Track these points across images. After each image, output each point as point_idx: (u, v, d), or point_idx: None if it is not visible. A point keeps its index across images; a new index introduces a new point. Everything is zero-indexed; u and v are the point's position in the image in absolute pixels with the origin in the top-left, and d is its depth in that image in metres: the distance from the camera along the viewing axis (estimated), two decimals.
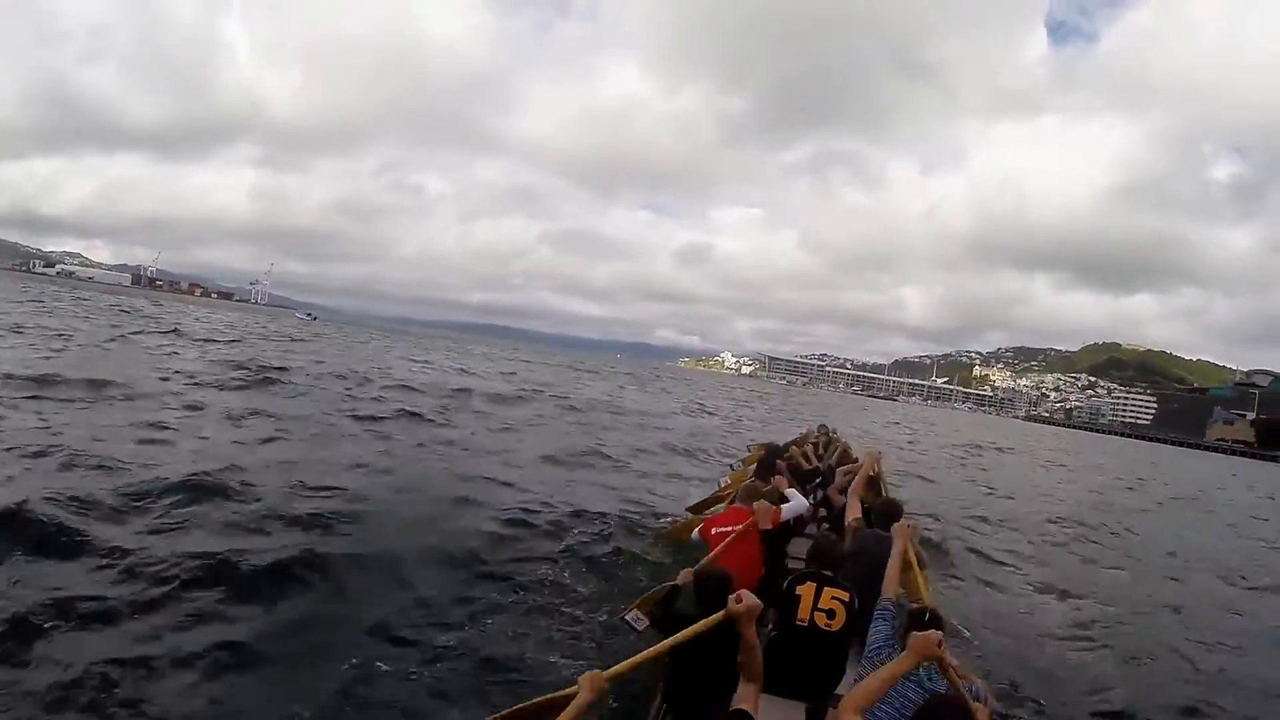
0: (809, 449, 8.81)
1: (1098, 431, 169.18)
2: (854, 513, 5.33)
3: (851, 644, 3.94)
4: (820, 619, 3.82)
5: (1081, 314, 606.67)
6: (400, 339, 76.97)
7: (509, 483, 10.30)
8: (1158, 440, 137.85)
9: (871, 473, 6.42)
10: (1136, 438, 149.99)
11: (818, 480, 7.67)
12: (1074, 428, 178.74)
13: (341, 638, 5.08)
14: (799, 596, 3.89)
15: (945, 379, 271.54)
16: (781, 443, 9.77)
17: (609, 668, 2.68)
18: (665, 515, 9.37)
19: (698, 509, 8.00)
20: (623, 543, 7.98)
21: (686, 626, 2.95)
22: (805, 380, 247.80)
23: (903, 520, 4.42)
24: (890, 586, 3.70)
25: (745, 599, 2.79)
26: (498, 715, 2.83)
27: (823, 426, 11.54)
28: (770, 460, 7.55)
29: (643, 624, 4.18)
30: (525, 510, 8.77)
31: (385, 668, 4.75)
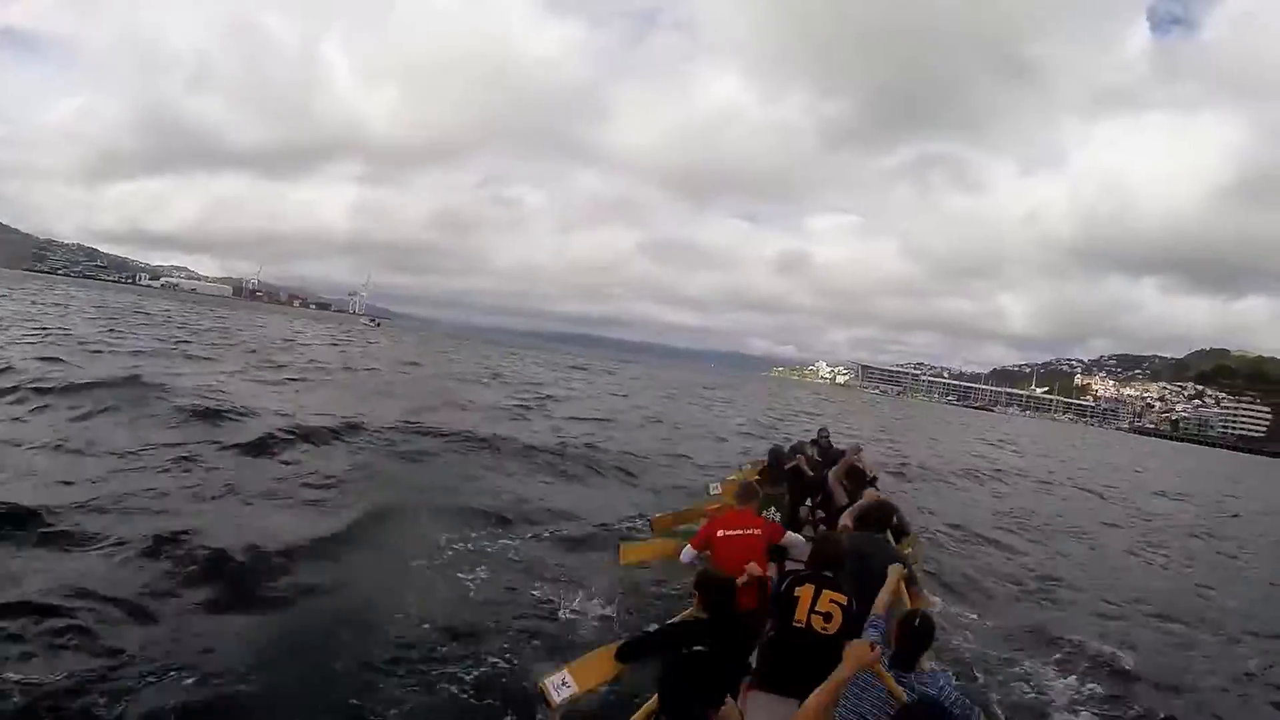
0: (805, 457, 8.37)
1: (1207, 444, 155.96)
2: (839, 499, 5.98)
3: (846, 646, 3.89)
4: (817, 621, 3.84)
5: (1190, 319, 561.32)
6: (483, 346, 79.57)
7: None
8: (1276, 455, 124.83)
9: (852, 465, 7.06)
10: (1249, 451, 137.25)
11: (817, 490, 7.57)
12: (1180, 439, 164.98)
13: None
14: (797, 598, 3.90)
15: (1045, 389, 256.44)
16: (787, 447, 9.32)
17: None
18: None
19: (661, 524, 7.33)
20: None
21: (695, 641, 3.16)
22: (900, 390, 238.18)
23: (897, 566, 4.21)
24: (881, 607, 3.69)
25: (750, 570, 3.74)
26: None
27: (822, 431, 11.11)
28: (777, 464, 7.59)
29: (565, 693, 3.75)
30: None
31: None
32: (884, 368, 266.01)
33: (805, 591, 3.91)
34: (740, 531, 4.95)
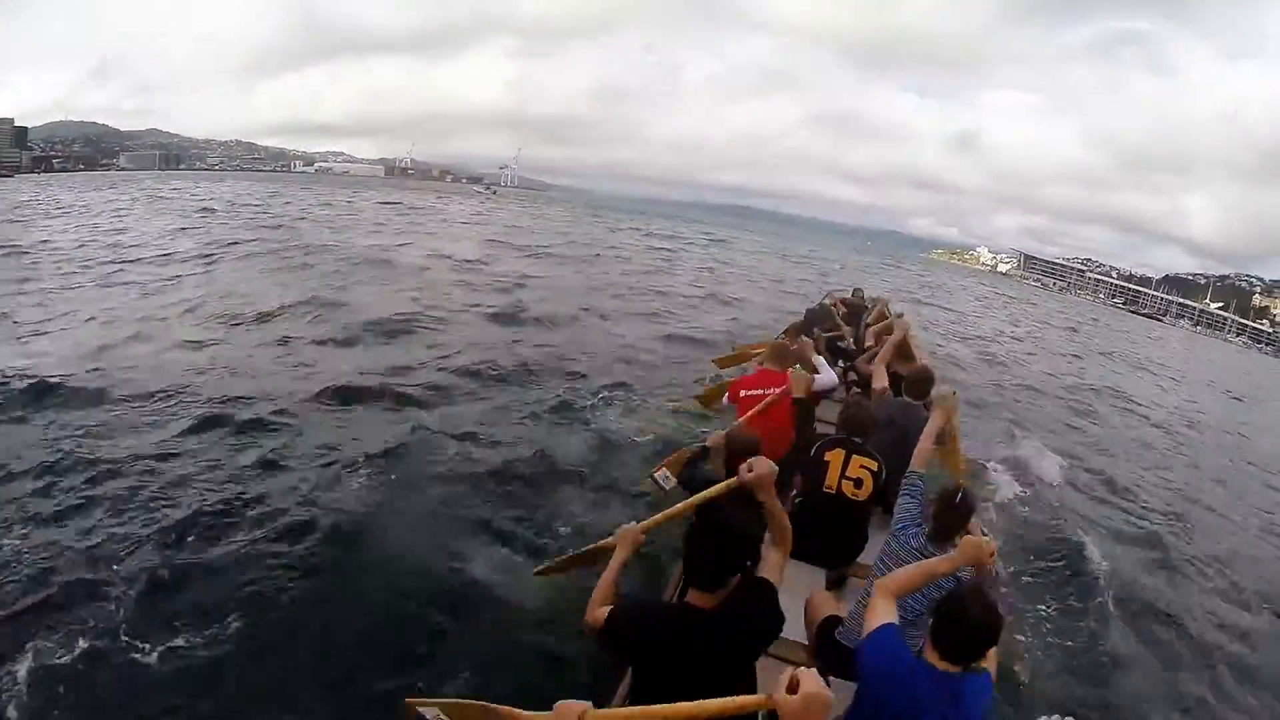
0: (840, 312, 8.61)
1: None
2: (880, 381, 5.23)
3: (873, 513, 4.00)
4: (848, 487, 3.83)
5: None
6: (627, 216, 78.52)
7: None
8: None
9: (901, 339, 5.99)
10: None
11: (848, 347, 7.61)
12: None
13: None
14: (827, 463, 3.87)
15: (1220, 304, 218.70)
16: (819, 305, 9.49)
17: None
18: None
19: (724, 362, 8.09)
20: (654, 407, 8.50)
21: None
22: (1063, 285, 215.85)
23: (946, 389, 4.05)
24: (920, 459, 3.45)
25: (757, 466, 2.55)
26: (546, 564, 3.54)
27: (857, 290, 11.05)
28: (808, 324, 7.73)
29: (670, 483, 4.13)
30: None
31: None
32: (1048, 260, 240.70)
33: (835, 456, 3.87)
34: (762, 390, 4.82)
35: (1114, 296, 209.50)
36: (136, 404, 7.43)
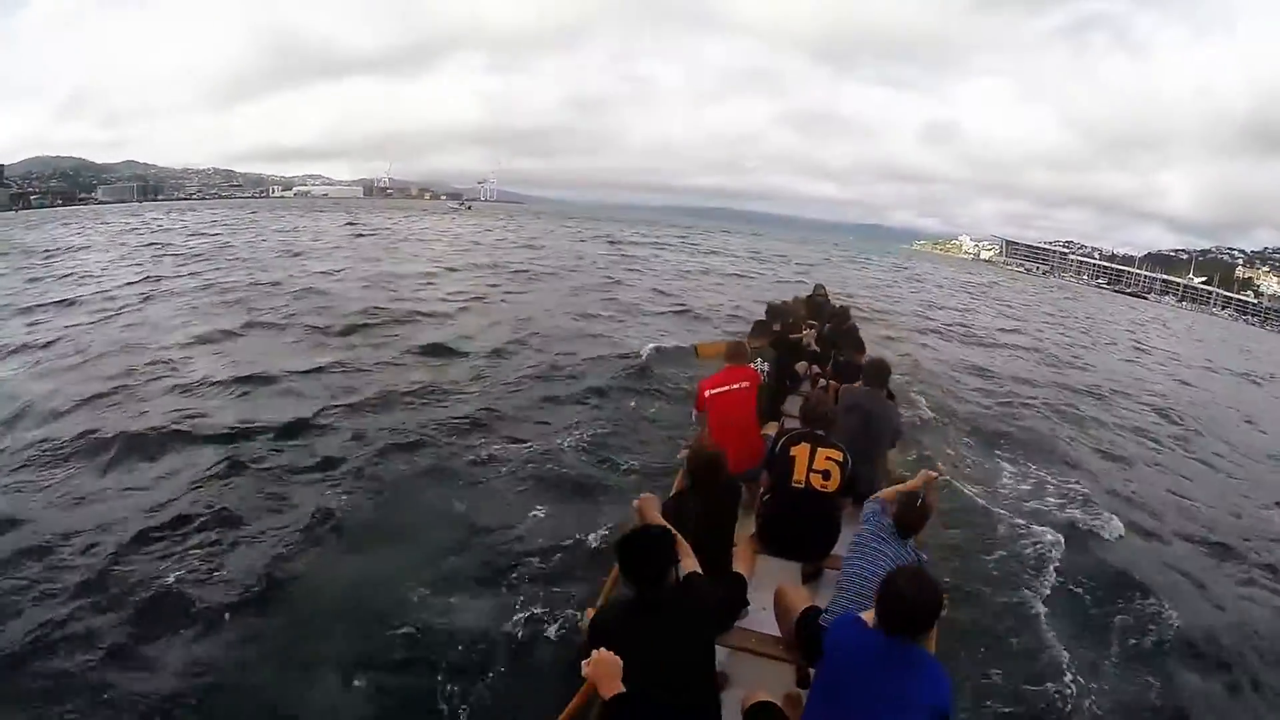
0: (801, 310, 8.67)
1: None
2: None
3: (844, 504, 4.04)
4: (816, 480, 3.87)
5: None
6: (607, 224, 76.89)
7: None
8: None
9: (848, 328, 7.12)
10: None
11: (809, 345, 7.52)
12: None
13: None
14: (794, 457, 3.92)
15: (1203, 278, 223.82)
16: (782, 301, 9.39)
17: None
18: None
19: (704, 351, 8.20)
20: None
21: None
22: (1046, 269, 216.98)
23: (933, 474, 3.80)
24: (886, 497, 3.49)
25: (642, 505, 3.42)
26: None
27: (819, 287, 11.39)
28: (768, 320, 7.59)
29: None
30: None
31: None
32: (1029, 244, 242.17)
33: (801, 451, 3.91)
34: (729, 387, 4.92)
35: (1097, 277, 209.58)
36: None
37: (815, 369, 7.10)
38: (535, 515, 5.96)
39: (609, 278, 24.16)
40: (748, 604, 3.53)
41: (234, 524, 5.68)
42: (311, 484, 6.52)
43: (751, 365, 5.46)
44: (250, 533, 5.60)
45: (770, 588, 3.53)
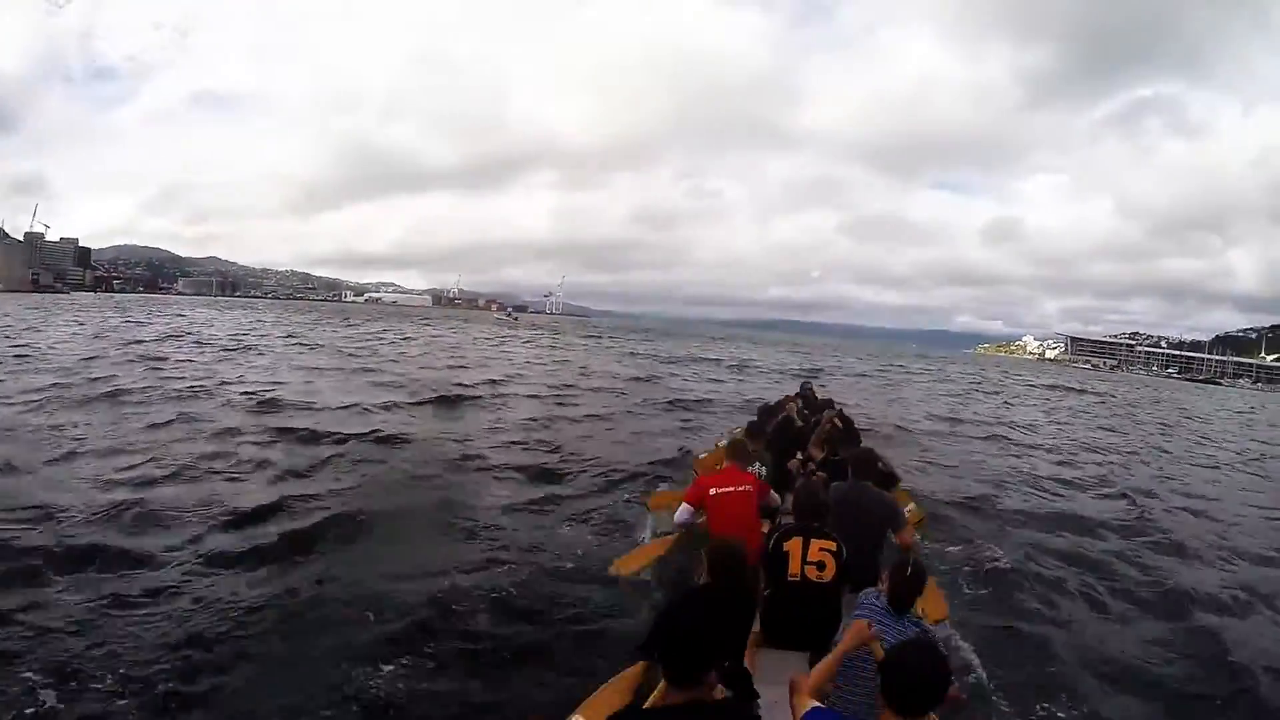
0: (796, 407, 8.90)
1: None
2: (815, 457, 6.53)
3: (844, 592, 4.03)
4: (811, 572, 3.92)
5: None
6: (661, 340, 75.73)
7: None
8: None
9: (830, 427, 7.36)
10: None
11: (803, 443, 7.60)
12: None
13: None
14: (788, 553, 3.96)
15: (1275, 355, 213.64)
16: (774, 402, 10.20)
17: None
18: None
19: (656, 502, 7.63)
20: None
21: None
22: (1114, 363, 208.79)
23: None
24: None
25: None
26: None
27: (806, 384, 12.00)
28: (762, 422, 7.91)
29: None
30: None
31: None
32: (1094, 339, 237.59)
33: (794, 545, 3.97)
34: (733, 489, 4.92)
35: (1167, 366, 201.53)
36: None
37: (811, 464, 7.03)
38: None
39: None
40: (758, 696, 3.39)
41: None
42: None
43: (751, 470, 5.51)
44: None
45: (778, 681, 3.37)
